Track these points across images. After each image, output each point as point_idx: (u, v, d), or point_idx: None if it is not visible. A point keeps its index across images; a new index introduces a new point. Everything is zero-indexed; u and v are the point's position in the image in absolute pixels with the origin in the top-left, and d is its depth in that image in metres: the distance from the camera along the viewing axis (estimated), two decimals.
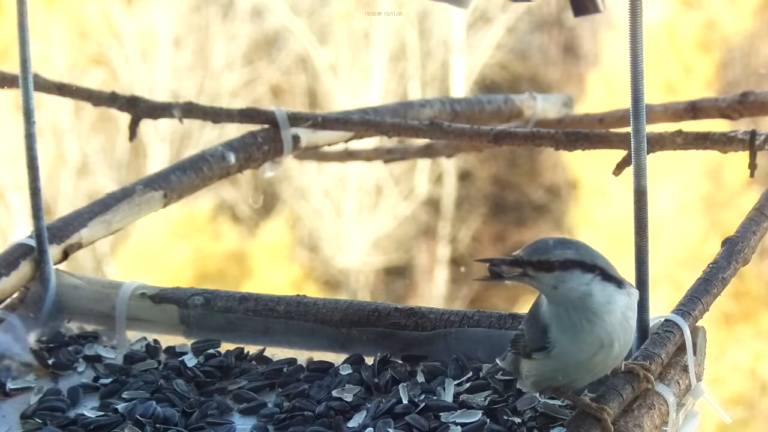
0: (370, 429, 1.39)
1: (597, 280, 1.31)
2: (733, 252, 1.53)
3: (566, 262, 1.31)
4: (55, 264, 1.71)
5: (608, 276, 1.32)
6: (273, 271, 7.33)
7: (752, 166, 1.75)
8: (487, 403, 1.43)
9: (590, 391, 1.39)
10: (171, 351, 1.61)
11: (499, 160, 7.60)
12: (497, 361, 1.43)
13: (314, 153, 2.35)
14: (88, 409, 1.48)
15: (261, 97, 7.77)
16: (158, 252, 7.16)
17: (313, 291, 7.17)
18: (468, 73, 8.05)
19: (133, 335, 1.66)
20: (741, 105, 2.13)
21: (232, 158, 1.97)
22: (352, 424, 1.41)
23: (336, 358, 1.56)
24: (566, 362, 1.33)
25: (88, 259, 6.59)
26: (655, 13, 7.15)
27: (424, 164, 7.55)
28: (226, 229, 7.60)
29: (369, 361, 1.54)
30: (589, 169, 7.12)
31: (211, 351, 1.59)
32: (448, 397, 1.45)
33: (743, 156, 1.77)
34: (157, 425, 1.42)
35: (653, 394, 1.36)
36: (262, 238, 7.52)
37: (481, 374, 1.48)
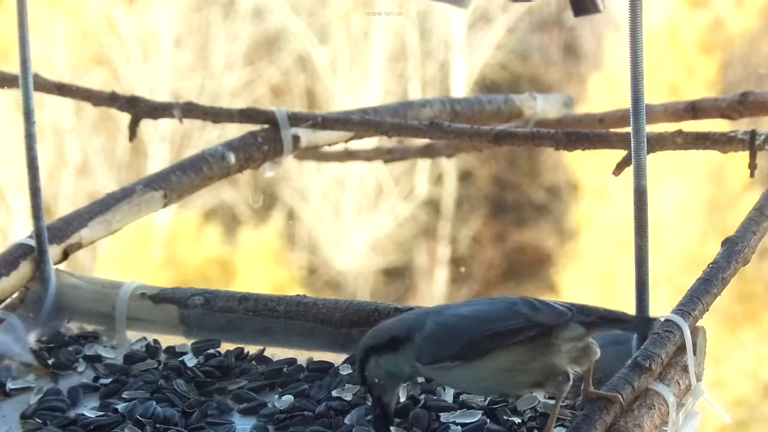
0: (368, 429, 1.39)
1: (375, 359, 1.37)
2: (733, 252, 1.53)
3: (360, 369, 1.38)
4: (55, 264, 1.71)
5: (390, 344, 1.36)
6: (271, 273, 7.33)
7: (752, 166, 1.75)
8: (487, 403, 1.43)
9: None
10: (171, 351, 1.61)
11: (499, 160, 7.59)
12: None
13: (314, 153, 2.35)
14: (88, 409, 1.48)
15: (261, 97, 7.77)
16: (145, 256, 7.17)
17: (312, 292, 7.16)
18: (468, 73, 8.05)
19: (133, 335, 1.66)
20: (741, 105, 2.13)
21: (232, 158, 1.98)
22: (348, 420, 1.42)
23: (336, 358, 1.56)
24: None
25: (88, 259, 6.59)
26: (658, 15, 7.15)
27: (424, 164, 7.54)
28: (223, 230, 7.60)
29: None
30: (590, 170, 7.11)
31: (211, 351, 1.59)
32: (448, 397, 1.45)
33: (743, 156, 1.77)
34: (157, 425, 1.42)
35: (653, 393, 1.36)
36: (261, 239, 7.52)
37: None
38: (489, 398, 1.44)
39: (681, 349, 1.41)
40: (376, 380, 1.37)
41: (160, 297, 1.66)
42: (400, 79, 7.96)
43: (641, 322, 1.40)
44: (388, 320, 1.42)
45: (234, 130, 2.10)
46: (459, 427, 1.39)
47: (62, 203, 7.21)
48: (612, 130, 1.98)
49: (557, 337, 1.32)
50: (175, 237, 7.39)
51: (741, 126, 1.94)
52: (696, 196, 7.08)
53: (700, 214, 7.05)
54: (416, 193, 7.96)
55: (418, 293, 7.69)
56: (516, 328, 1.31)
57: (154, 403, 1.46)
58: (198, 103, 2.06)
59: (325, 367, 1.54)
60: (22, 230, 6.79)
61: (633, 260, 1.41)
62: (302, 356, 1.58)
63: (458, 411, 1.41)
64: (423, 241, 7.96)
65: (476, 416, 1.40)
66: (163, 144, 7.73)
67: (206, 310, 1.63)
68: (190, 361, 1.57)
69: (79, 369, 1.58)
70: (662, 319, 1.42)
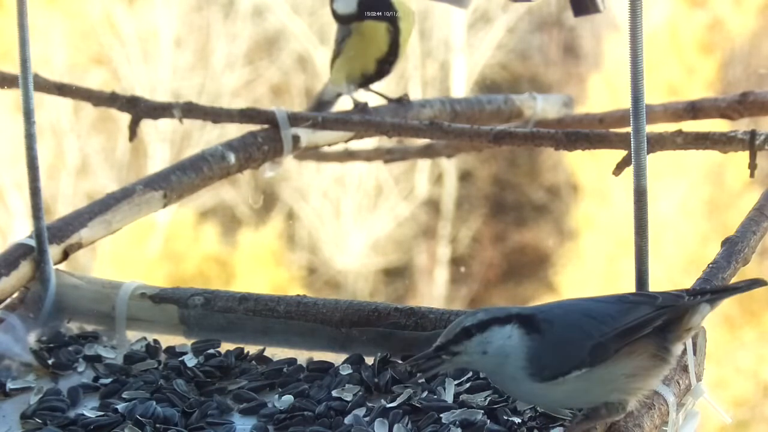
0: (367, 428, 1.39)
1: (516, 329, 1.29)
2: (733, 252, 1.53)
3: (481, 324, 1.29)
4: (55, 264, 1.71)
5: (526, 320, 1.29)
6: (271, 273, 7.33)
7: (752, 166, 1.75)
8: (487, 403, 1.43)
9: None
10: (171, 351, 1.61)
11: (499, 160, 7.60)
12: None
13: (314, 153, 2.35)
14: (88, 409, 1.48)
15: (261, 97, 7.77)
16: (144, 253, 7.17)
17: (312, 292, 7.17)
18: (468, 73, 8.06)
19: (133, 335, 1.66)
20: (741, 105, 2.13)
21: (232, 158, 1.98)
22: (348, 420, 1.42)
23: (336, 358, 1.56)
24: None
25: (87, 257, 6.59)
26: (658, 15, 7.16)
27: (424, 164, 7.55)
28: (222, 230, 7.60)
29: (369, 361, 1.54)
30: (590, 170, 7.12)
31: (211, 351, 1.59)
32: (448, 397, 1.44)
33: (743, 156, 1.77)
34: (157, 425, 1.42)
35: (653, 394, 1.36)
36: (260, 239, 7.52)
37: (480, 374, 1.48)
38: (489, 398, 1.43)
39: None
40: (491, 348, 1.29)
41: (160, 297, 1.65)
42: (400, 79, 7.96)
43: (752, 284, 1.35)
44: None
45: (234, 130, 2.10)
46: (459, 427, 1.38)
47: (61, 203, 7.22)
48: (612, 130, 1.98)
49: (686, 325, 1.27)
50: (175, 235, 7.40)
51: (741, 126, 1.94)
52: (696, 196, 7.08)
53: (700, 215, 7.06)
54: (416, 193, 7.97)
55: (418, 293, 7.69)
56: (643, 321, 1.26)
57: (154, 403, 1.46)
58: (198, 103, 2.06)
59: (325, 367, 1.54)
60: (21, 230, 6.79)
61: (633, 260, 1.41)
62: (302, 356, 1.58)
63: (458, 410, 1.41)
64: (423, 241, 7.96)
65: (476, 416, 1.40)
66: (163, 144, 7.73)
67: (206, 310, 1.63)
68: (190, 361, 1.57)
69: (79, 369, 1.58)
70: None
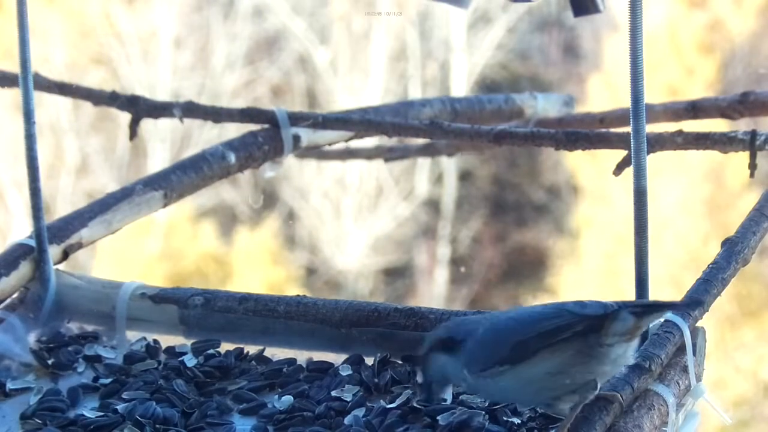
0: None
1: (443, 357, 1.36)
2: (733, 252, 1.53)
3: (426, 355, 1.37)
4: (55, 264, 1.71)
5: (446, 344, 1.36)
6: (268, 272, 7.33)
7: (752, 166, 1.75)
8: (486, 403, 1.43)
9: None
10: (171, 351, 1.61)
11: (499, 160, 7.60)
12: None
13: (315, 151, 2.35)
14: (88, 410, 1.48)
15: (261, 97, 7.77)
16: (143, 251, 7.17)
17: (311, 292, 7.17)
18: (468, 73, 8.05)
19: (133, 335, 1.66)
20: (741, 105, 2.13)
21: (232, 158, 1.97)
22: (348, 420, 1.42)
23: (336, 358, 1.56)
24: None
25: (88, 259, 6.59)
26: (658, 15, 7.15)
27: (424, 164, 7.55)
28: (221, 229, 7.60)
29: (369, 361, 1.54)
30: (590, 170, 7.11)
31: (211, 351, 1.59)
32: (448, 397, 1.44)
33: (743, 156, 1.77)
34: (157, 425, 1.42)
35: (653, 394, 1.36)
36: (258, 239, 7.52)
37: None
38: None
39: (681, 349, 1.41)
40: (434, 374, 1.37)
41: (160, 297, 1.65)
42: (400, 78, 7.97)
43: (689, 305, 1.38)
44: (465, 318, 1.41)
45: (234, 130, 2.10)
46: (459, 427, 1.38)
47: (61, 203, 7.22)
48: (612, 130, 1.98)
49: (607, 332, 1.29)
50: (174, 233, 7.40)
51: (741, 126, 1.93)
52: (696, 195, 7.08)
53: (700, 214, 7.06)
54: (416, 193, 7.97)
55: (418, 293, 7.69)
56: (563, 324, 1.29)
57: (154, 403, 1.46)
58: (198, 103, 2.06)
59: (325, 367, 1.54)
60: (21, 230, 6.79)
61: (633, 260, 1.41)
62: (302, 356, 1.58)
63: (458, 411, 1.41)
64: (423, 241, 7.96)
65: (476, 417, 1.40)
66: (164, 144, 7.73)
67: (206, 311, 1.63)
68: (190, 361, 1.57)
69: (79, 369, 1.58)
70: (662, 320, 1.42)
